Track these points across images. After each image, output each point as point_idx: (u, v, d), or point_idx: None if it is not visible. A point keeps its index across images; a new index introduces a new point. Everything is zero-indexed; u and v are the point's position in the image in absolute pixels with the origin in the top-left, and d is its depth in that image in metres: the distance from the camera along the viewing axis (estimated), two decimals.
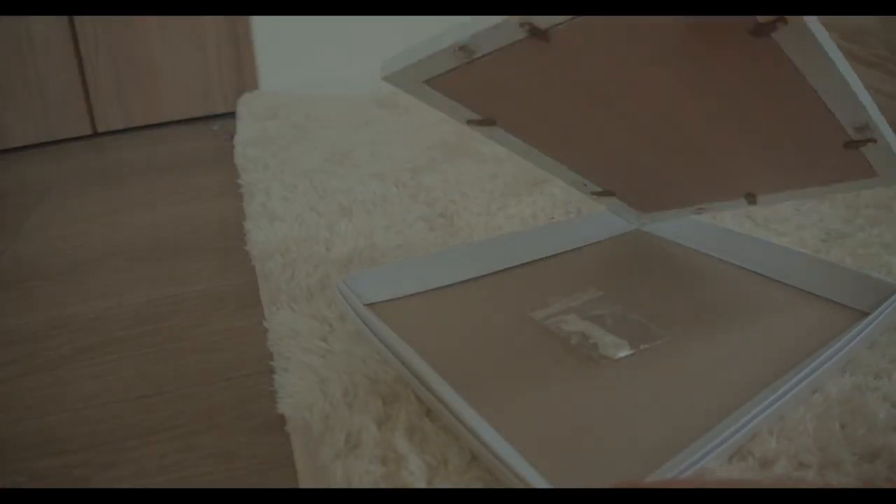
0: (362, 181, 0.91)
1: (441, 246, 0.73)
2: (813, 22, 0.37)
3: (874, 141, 0.45)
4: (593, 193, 0.67)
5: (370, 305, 0.60)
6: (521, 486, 0.39)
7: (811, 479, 0.39)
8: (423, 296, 0.63)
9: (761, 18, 0.37)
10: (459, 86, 0.51)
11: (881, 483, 0.38)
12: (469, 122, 0.56)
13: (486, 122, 0.56)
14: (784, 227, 0.73)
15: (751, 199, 0.58)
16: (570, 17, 0.41)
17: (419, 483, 0.44)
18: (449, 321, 0.58)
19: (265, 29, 1.40)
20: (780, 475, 0.33)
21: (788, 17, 0.37)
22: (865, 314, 0.53)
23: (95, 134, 1.35)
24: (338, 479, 0.46)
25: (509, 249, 0.68)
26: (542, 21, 0.42)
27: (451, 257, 0.65)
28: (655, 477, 0.38)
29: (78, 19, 1.27)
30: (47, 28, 1.25)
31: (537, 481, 0.39)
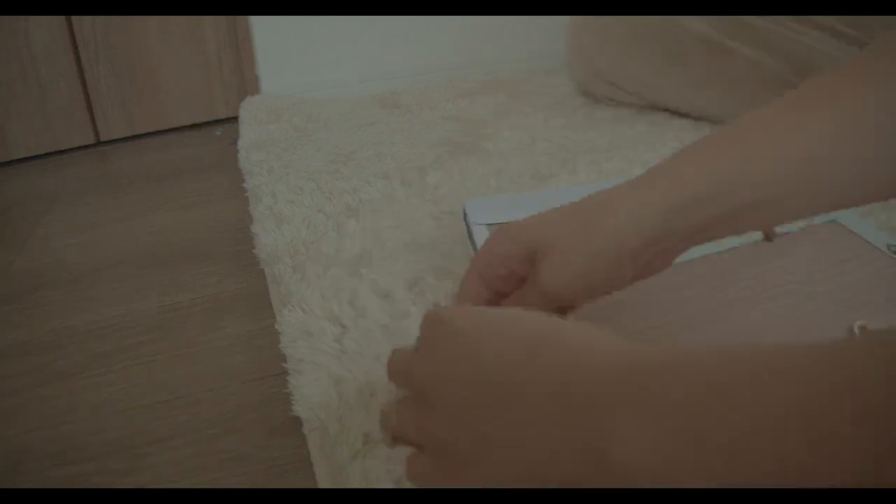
0: (368, 181, 0.91)
1: (452, 243, 0.73)
2: None
3: None
4: None
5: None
6: None
7: None
8: None
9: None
10: None
11: None
12: None
13: None
14: None
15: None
16: None
17: None
18: None
19: (266, 33, 1.39)
20: None
21: None
22: None
23: (98, 143, 1.34)
24: (356, 479, 0.46)
25: None
26: None
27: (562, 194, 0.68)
28: None
29: (78, 28, 1.26)
30: (47, 37, 1.25)
31: None
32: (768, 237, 0.56)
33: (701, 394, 0.24)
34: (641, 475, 0.24)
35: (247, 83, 1.41)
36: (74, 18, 1.26)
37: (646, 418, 0.25)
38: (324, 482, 0.48)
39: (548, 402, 0.28)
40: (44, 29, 1.25)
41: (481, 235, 0.67)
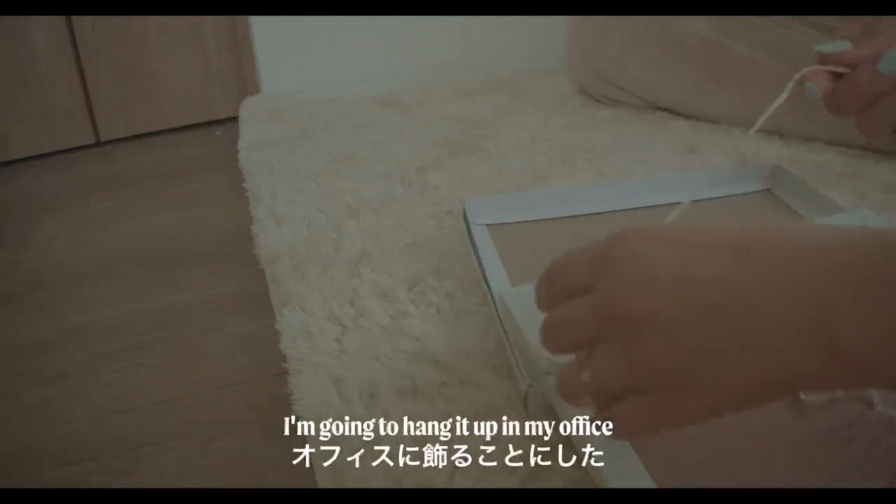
0: (368, 181, 0.91)
1: (452, 243, 0.73)
2: None
3: None
4: None
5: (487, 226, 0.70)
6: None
7: None
8: (534, 224, 0.70)
9: None
10: None
11: None
12: None
13: None
14: None
15: None
16: None
17: (441, 479, 0.43)
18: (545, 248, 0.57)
19: (266, 33, 1.39)
20: None
21: None
22: None
23: (98, 143, 1.34)
24: (356, 479, 0.46)
25: (626, 193, 0.73)
26: None
27: (562, 194, 0.73)
28: None
29: (78, 28, 1.26)
30: (47, 37, 1.25)
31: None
32: None
33: None
34: (867, 353, 0.26)
35: (247, 83, 1.41)
36: (74, 18, 1.26)
37: (868, 295, 0.26)
38: (324, 482, 0.48)
39: (769, 302, 0.29)
40: (44, 29, 1.25)
41: (481, 235, 0.67)
